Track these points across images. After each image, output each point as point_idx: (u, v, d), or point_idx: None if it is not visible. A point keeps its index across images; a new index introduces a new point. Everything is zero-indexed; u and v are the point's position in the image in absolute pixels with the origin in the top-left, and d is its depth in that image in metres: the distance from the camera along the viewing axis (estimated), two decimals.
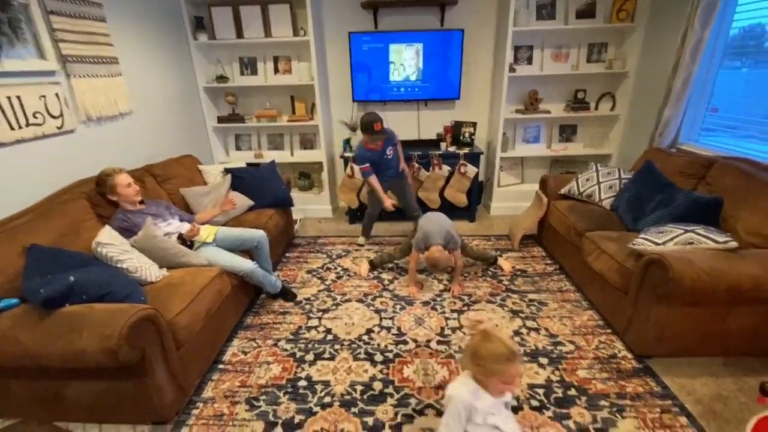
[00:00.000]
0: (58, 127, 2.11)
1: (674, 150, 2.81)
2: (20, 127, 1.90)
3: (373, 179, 2.88)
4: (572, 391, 1.76)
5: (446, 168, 3.47)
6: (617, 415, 1.64)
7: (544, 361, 1.95)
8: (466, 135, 3.57)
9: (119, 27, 2.55)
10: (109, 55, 2.47)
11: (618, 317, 2.07)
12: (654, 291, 1.75)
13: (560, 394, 1.75)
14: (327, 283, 2.72)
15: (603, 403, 1.70)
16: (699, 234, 1.84)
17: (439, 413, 1.66)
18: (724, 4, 2.46)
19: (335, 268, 2.91)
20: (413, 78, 3.60)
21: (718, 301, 1.69)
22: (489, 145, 3.87)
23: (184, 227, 2.31)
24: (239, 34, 3.46)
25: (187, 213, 2.53)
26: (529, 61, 3.55)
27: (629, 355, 1.97)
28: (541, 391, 1.77)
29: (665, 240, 1.88)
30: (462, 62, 3.50)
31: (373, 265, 2.86)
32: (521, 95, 3.67)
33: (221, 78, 3.60)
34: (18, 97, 1.89)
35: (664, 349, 1.91)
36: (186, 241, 2.20)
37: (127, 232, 2.04)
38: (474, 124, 3.59)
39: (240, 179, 2.96)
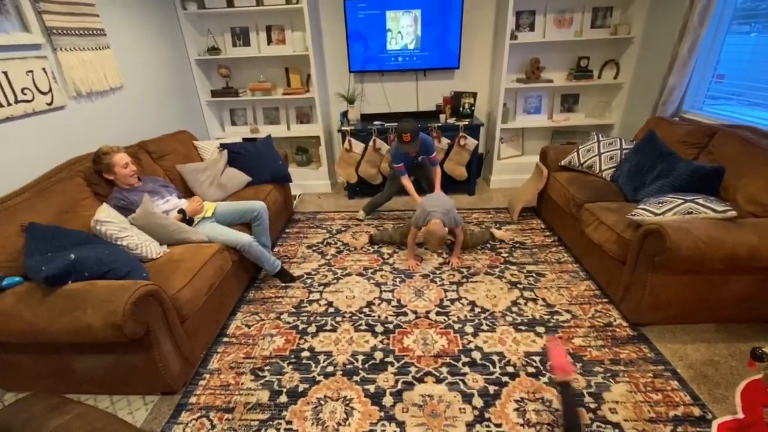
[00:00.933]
0: (47, 104, 2.06)
1: (677, 119, 2.76)
2: (9, 104, 1.86)
3: (406, 180, 2.88)
4: (569, 359, 1.81)
5: (445, 141, 3.42)
6: (611, 380, 1.69)
7: (540, 330, 2.00)
8: (466, 106, 3.50)
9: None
10: (96, 26, 2.39)
11: (614, 287, 2.10)
12: (651, 260, 1.77)
13: None
14: (327, 257, 2.75)
15: (597, 369, 1.75)
16: (699, 204, 1.84)
17: (438, 381, 1.71)
18: None
19: (335, 243, 2.93)
20: (411, 46, 3.49)
21: (714, 269, 1.71)
22: (489, 117, 3.80)
23: (183, 203, 2.31)
24: (230, 3, 3.33)
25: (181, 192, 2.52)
26: (531, 27, 3.43)
27: (624, 324, 2.01)
28: (537, 358, 1.82)
29: (664, 210, 1.88)
30: (462, 29, 3.38)
31: (372, 241, 2.87)
32: (523, 64, 3.57)
33: (213, 50, 3.49)
34: (5, 73, 1.84)
35: (658, 317, 1.95)
36: (186, 217, 2.20)
37: (125, 210, 2.03)
38: (474, 95, 3.51)
39: (236, 155, 2.92)
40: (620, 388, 1.65)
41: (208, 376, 1.82)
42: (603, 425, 1.50)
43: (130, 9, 2.72)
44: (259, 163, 2.95)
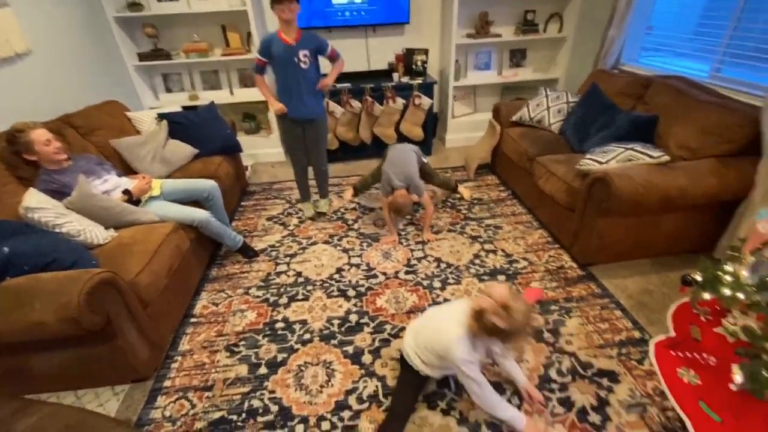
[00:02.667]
0: None
1: (617, 71, 2.91)
2: None
3: (258, 79, 2.31)
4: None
5: (401, 101, 3.37)
6: (565, 315, 1.88)
7: (501, 278, 2.14)
8: (419, 63, 3.44)
9: None
10: None
11: (565, 233, 2.28)
12: (598, 206, 1.93)
13: None
14: (290, 228, 2.69)
15: (553, 307, 1.93)
16: (637, 151, 2.00)
17: None
18: None
19: (296, 213, 2.86)
20: (359, 0, 3.31)
21: (651, 210, 1.90)
22: (441, 74, 3.77)
23: (125, 182, 2.11)
24: None
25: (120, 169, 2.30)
26: None
27: (574, 265, 2.21)
28: None
29: (608, 159, 2.03)
30: None
31: (356, 189, 2.85)
32: (472, 18, 3.52)
33: (134, 5, 3.07)
34: None
35: (603, 257, 2.16)
36: (132, 197, 2.02)
37: (58, 194, 1.82)
38: (426, 51, 3.45)
39: (178, 125, 2.69)
40: (574, 322, 1.84)
41: (180, 358, 1.77)
42: (560, 355, 1.68)
43: None
44: (205, 133, 2.74)
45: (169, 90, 3.56)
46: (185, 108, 3.02)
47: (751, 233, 1.42)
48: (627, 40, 2.87)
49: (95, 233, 1.75)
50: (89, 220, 1.79)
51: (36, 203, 1.62)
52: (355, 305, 2.00)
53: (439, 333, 1.34)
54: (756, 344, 1.29)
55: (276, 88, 2.35)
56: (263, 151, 3.72)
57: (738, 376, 1.32)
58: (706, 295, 1.48)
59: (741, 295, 1.38)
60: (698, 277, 1.52)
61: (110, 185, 2.06)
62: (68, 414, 1.12)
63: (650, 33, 2.85)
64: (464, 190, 2.92)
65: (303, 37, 2.21)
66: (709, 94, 2.14)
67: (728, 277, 1.44)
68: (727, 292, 1.42)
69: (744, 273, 1.41)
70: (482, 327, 1.21)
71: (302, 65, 2.24)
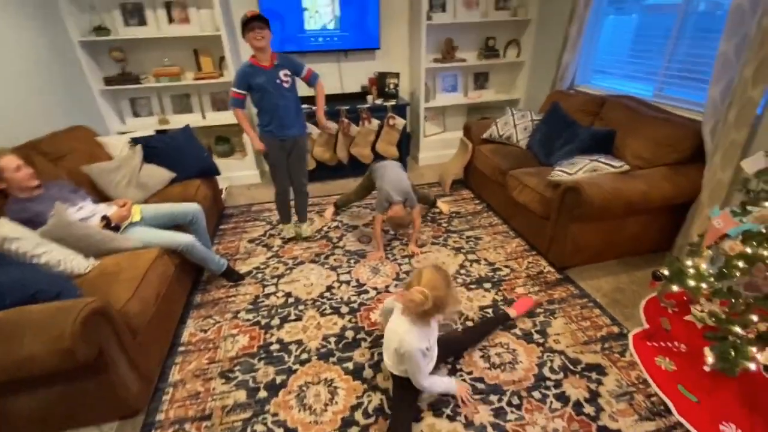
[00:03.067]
0: None
1: (573, 91, 3.20)
2: None
3: (239, 114, 2.26)
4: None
5: (375, 122, 3.49)
6: (550, 317, 1.99)
7: (487, 285, 2.24)
8: (391, 86, 3.59)
9: None
10: None
11: (541, 240, 2.43)
12: (571, 213, 2.09)
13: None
14: (274, 249, 2.66)
15: (539, 310, 2.04)
16: (601, 162, 2.21)
17: None
18: None
19: (279, 233, 2.84)
20: (331, 27, 3.43)
21: (618, 214, 2.10)
22: (412, 96, 3.95)
23: (102, 209, 2.03)
24: None
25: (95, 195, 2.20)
26: (443, 8, 3.61)
27: (552, 270, 2.35)
28: (489, 310, 2.05)
29: (576, 170, 2.22)
30: (380, 10, 3.42)
31: (337, 207, 2.90)
32: (438, 44, 3.75)
33: (101, 30, 3.01)
34: None
35: (577, 260, 2.32)
36: (111, 224, 1.94)
37: (29, 223, 1.70)
38: (397, 75, 3.61)
39: (153, 149, 2.62)
40: (559, 323, 1.96)
41: (171, 389, 1.68)
42: (551, 354, 1.78)
43: None
44: (182, 157, 2.69)
45: (136, 114, 3.46)
46: (158, 132, 2.95)
47: (707, 230, 1.61)
48: (579, 64, 3.18)
49: (75, 263, 1.66)
50: (68, 249, 1.70)
51: (12, 233, 1.52)
52: (349, 321, 2.01)
53: (394, 333, 1.45)
54: (722, 327, 1.45)
55: (258, 113, 2.34)
56: (238, 173, 3.67)
57: (710, 358, 1.47)
58: (675, 288, 1.64)
59: (704, 285, 1.55)
60: (666, 272, 1.69)
61: (86, 212, 1.97)
62: None
63: (599, 58, 3.17)
64: (443, 205, 3.04)
65: (279, 59, 2.24)
66: (656, 111, 2.42)
67: (691, 270, 1.62)
68: (691, 283, 1.59)
69: (704, 265, 1.59)
70: (417, 315, 1.37)
71: (285, 85, 2.25)
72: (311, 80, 2.39)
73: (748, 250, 1.41)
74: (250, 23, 2.07)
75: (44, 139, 2.25)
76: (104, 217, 1.96)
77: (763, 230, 1.35)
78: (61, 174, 2.16)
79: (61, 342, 1.20)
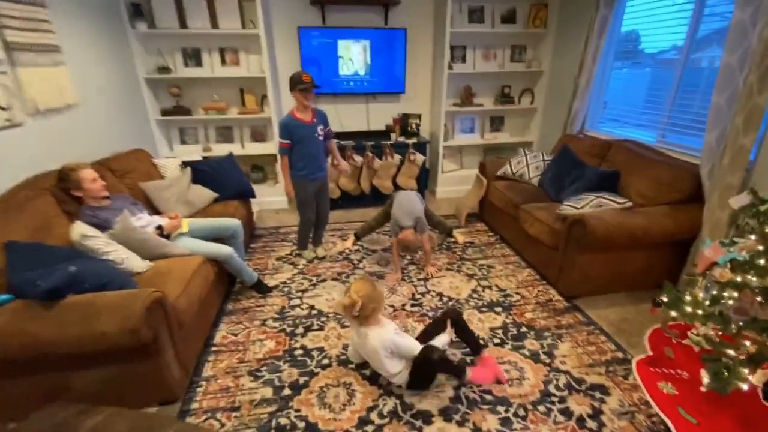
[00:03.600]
0: (6, 120, 1.97)
1: (582, 135, 3.44)
2: None
3: (285, 161, 2.58)
4: (523, 329, 2.20)
5: (397, 157, 3.78)
6: (558, 340, 2.10)
7: (498, 309, 2.37)
8: (413, 126, 3.92)
9: (58, 13, 2.40)
10: (52, 42, 2.32)
11: (550, 270, 2.57)
12: (577, 243, 2.25)
13: (515, 332, 2.17)
14: (299, 267, 2.88)
15: (546, 334, 2.16)
16: (605, 198, 2.39)
17: None
18: (615, 17, 3.09)
19: (297, 258, 3.06)
20: (362, 72, 3.84)
21: (621, 246, 2.24)
22: (432, 135, 4.26)
23: (156, 220, 2.31)
24: (182, 24, 3.37)
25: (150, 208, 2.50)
26: (464, 59, 3.99)
27: (561, 298, 2.48)
28: (500, 331, 2.18)
29: (582, 205, 2.40)
30: (406, 59, 3.82)
31: (357, 237, 3.07)
32: (458, 90, 4.11)
33: (163, 69, 3.47)
34: None
35: (585, 290, 2.45)
36: (163, 232, 2.21)
37: (98, 227, 1.99)
38: (419, 116, 3.95)
39: (200, 172, 2.95)
40: (565, 346, 2.06)
41: (204, 383, 1.86)
42: (557, 373, 1.88)
43: (82, 26, 2.66)
44: (224, 180, 3.01)
45: (184, 142, 3.86)
46: (204, 158, 3.30)
47: (700, 260, 1.75)
48: (589, 111, 3.45)
49: (135, 262, 1.92)
50: (129, 250, 1.96)
51: (89, 231, 1.80)
52: None
53: (372, 349, 1.72)
54: (715, 349, 1.56)
55: (295, 158, 2.62)
56: (268, 199, 3.98)
57: (705, 379, 1.56)
58: (673, 313, 1.76)
59: (699, 311, 1.67)
60: (665, 299, 1.82)
61: (144, 222, 2.24)
62: (129, 416, 1.24)
63: (606, 107, 3.43)
64: (458, 235, 3.23)
65: (317, 115, 2.62)
66: (658, 154, 2.62)
67: (688, 297, 1.74)
68: (688, 309, 1.71)
69: (700, 294, 1.71)
70: (361, 318, 1.68)
71: (320, 138, 2.64)
72: (328, 136, 2.75)
73: (738, 278, 1.54)
74: (305, 86, 2.43)
75: (112, 158, 2.60)
76: (159, 227, 2.23)
77: (748, 259, 1.49)
78: (123, 188, 2.48)
79: (129, 322, 1.41)
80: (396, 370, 1.74)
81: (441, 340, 1.83)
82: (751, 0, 1.97)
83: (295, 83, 2.45)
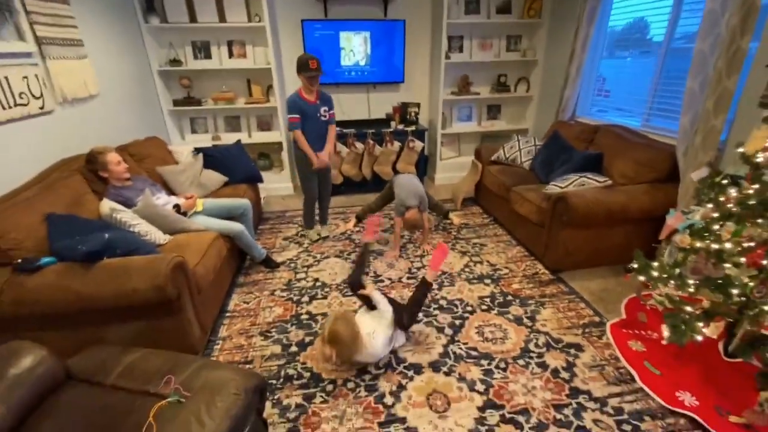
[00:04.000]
0: (40, 108, 2.19)
1: (573, 122, 3.60)
2: (10, 107, 1.98)
3: (299, 134, 2.68)
4: (509, 298, 2.40)
5: (397, 144, 3.96)
6: (540, 307, 2.30)
7: (488, 281, 2.57)
8: (412, 114, 4.09)
9: (79, 9, 2.60)
10: (76, 37, 2.53)
11: (537, 246, 2.76)
12: (560, 219, 2.43)
13: (501, 300, 2.37)
14: (304, 246, 3.09)
15: (530, 302, 2.35)
16: (588, 178, 2.57)
17: (417, 322, 2.17)
18: (603, 7, 3.22)
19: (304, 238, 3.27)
20: (362, 63, 4.01)
21: (601, 222, 2.42)
22: (431, 124, 4.43)
23: (173, 199, 2.52)
24: (192, 18, 3.56)
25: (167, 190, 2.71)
26: (461, 49, 4.14)
27: (547, 272, 2.66)
28: (488, 299, 2.38)
29: (566, 184, 2.58)
30: (405, 49, 3.98)
31: (359, 218, 3.22)
32: (455, 79, 4.27)
33: (175, 62, 3.67)
34: (6, 78, 1.96)
35: (569, 264, 2.63)
36: (180, 210, 2.43)
37: (122, 205, 2.21)
38: (418, 105, 4.12)
39: (211, 157, 3.16)
40: (547, 311, 2.26)
41: (221, 342, 2.08)
42: (537, 334, 2.08)
43: (100, 21, 2.86)
44: (234, 165, 3.21)
45: (194, 131, 4.07)
46: (214, 145, 3.51)
47: (664, 227, 1.93)
48: (580, 98, 3.59)
49: (158, 235, 2.14)
50: (152, 225, 2.17)
51: (117, 206, 2.02)
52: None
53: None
54: (676, 306, 1.74)
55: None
56: (274, 185, 4.18)
57: (666, 332, 1.75)
58: (641, 278, 1.94)
59: (664, 275, 1.86)
60: (635, 265, 2.00)
61: (162, 201, 2.46)
62: (162, 354, 1.45)
63: (606, 98, 3.55)
64: (454, 217, 3.40)
65: (321, 96, 2.78)
66: (640, 137, 2.78)
67: (655, 264, 1.92)
68: (654, 273, 1.89)
69: (664, 258, 1.89)
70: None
71: (322, 118, 2.79)
72: (330, 121, 2.85)
73: (698, 244, 1.73)
74: (310, 74, 2.58)
75: (131, 144, 2.81)
76: (176, 205, 2.44)
77: (703, 225, 1.67)
78: (142, 172, 2.70)
79: (156, 280, 1.63)
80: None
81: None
82: None
83: (301, 68, 2.61)
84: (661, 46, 2.82)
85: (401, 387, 1.78)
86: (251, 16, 3.64)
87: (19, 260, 1.63)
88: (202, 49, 3.79)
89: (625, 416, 1.62)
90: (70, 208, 1.97)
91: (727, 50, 2.06)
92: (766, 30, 2.01)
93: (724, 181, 1.73)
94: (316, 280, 2.62)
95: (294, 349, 2.02)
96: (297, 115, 2.67)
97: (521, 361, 1.91)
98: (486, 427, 1.58)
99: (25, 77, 2.09)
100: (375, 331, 1.81)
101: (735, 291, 1.58)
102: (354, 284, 2.09)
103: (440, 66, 3.93)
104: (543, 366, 1.88)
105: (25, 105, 2.07)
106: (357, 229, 3.35)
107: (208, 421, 1.02)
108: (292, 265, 2.82)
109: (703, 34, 2.22)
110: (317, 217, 3.23)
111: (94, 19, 2.77)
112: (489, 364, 1.89)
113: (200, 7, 3.53)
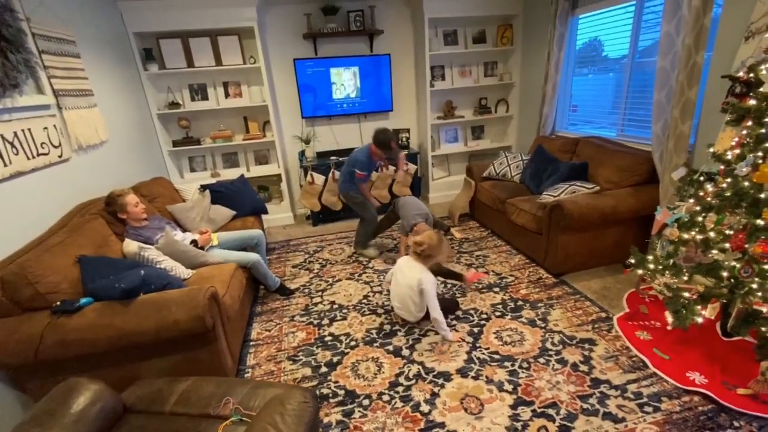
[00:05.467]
0: (59, 156, 2.27)
1: (554, 136, 3.88)
2: (34, 157, 2.06)
3: (364, 187, 3.16)
4: (519, 303, 2.53)
5: (392, 168, 4.15)
6: (550, 309, 2.45)
7: (497, 289, 2.71)
8: (404, 139, 4.32)
9: (88, 61, 2.72)
10: (86, 88, 2.64)
11: (538, 252, 2.93)
12: (557, 225, 2.63)
13: (512, 305, 2.51)
14: (315, 271, 3.17)
15: (540, 305, 2.50)
16: (578, 186, 2.79)
17: (437, 333, 2.27)
18: (570, 32, 3.58)
19: (317, 260, 3.36)
20: (353, 95, 4.24)
21: (595, 224, 2.63)
22: (421, 147, 4.67)
23: (188, 235, 2.59)
24: (190, 64, 3.73)
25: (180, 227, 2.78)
26: (443, 77, 4.45)
27: (549, 276, 2.83)
28: (500, 306, 2.51)
29: (558, 193, 2.80)
30: (392, 80, 4.25)
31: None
32: (440, 105, 4.55)
33: (173, 104, 3.80)
34: (29, 130, 2.05)
35: (569, 266, 2.81)
36: (197, 245, 2.50)
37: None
38: (408, 130, 4.35)
39: (218, 193, 3.25)
40: (557, 312, 2.40)
41: (250, 370, 2.12)
42: (552, 333, 2.22)
43: (105, 71, 2.99)
44: (240, 198, 3.31)
45: (193, 170, 4.16)
46: (217, 182, 3.61)
47: (654, 224, 2.13)
48: (558, 115, 3.90)
49: (181, 270, 2.20)
50: (174, 261, 2.24)
51: (144, 244, 2.08)
52: (385, 318, 2.47)
53: (410, 279, 2.21)
54: (674, 294, 1.92)
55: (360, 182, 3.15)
56: (275, 216, 4.27)
57: (669, 318, 1.92)
58: (639, 271, 2.13)
59: (660, 266, 2.04)
60: (632, 260, 2.19)
61: (179, 238, 2.53)
62: (213, 380, 1.51)
63: (574, 112, 3.89)
64: (455, 232, 3.58)
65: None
66: (618, 146, 3.05)
67: (650, 257, 2.11)
68: (651, 266, 2.08)
69: (658, 251, 2.09)
70: (421, 257, 2.23)
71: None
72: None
73: (686, 235, 1.93)
74: (389, 150, 3.00)
75: (141, 185, 2.89)
76: (193, 241, 2.51)
77: (688, 218, 1.88)
78: (155, 211, 2.77)
79: (195, 310, 1.70)
80: (417, 313, 2.27)
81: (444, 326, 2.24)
82: (674, 15, 2.44)
83: (382, 145, 2.97)
84: (620, 63, 3.15)
85: (434, 395, 1.86)
86: (246, 59, 3.84)
87: (58, 303, 1.68)
88: (199, 91, 3.94)
89: (645, 399, 1.75)
90: (99, 250, 2.03)
91: (686, 66, 2.36)
92: (718, 42, 2.31)
93: (701, 178, 1.96)
94: (333, 302, 2.70)
95: (324, 369, 2.08)
96: (365, 173, 3.09)
97: (542, 360, 2.03)
98: (521, 423, 1.68)
99: (45, 128, 2.19)
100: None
101: (724, 274, 1.77)
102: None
103: (426, 93, 4.20)
104: (562, 362, 2.00)
105: (46, 154, 2.16)
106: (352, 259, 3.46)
107: (285, 429, 1.09)
108: (306, 290, 2.89)
109: (663, 52, 2.53)
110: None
111: (100, 69, 2.90)
112: (512, 365, 2.01)
113: (197, 53, 3.71)
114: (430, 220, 3.00)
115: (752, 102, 1.70)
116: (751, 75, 1.72)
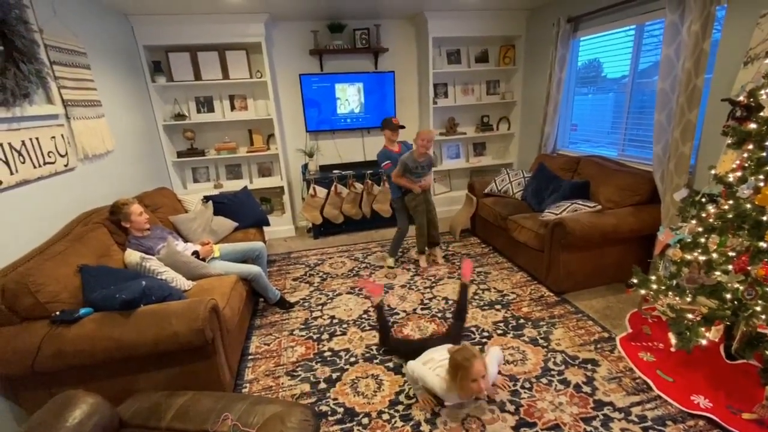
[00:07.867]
0: (65, 165, 2.28)
1: (555, 154, 3.92)
2: (40, 165, 2.07)
3: (396, 173, 3.12)
4: (521, 321, 2.51)
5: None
6: (552, 328, 2.42)
7: (498, 307, 2.69)
8: None
9: (97, 72, 2.77)
10: (95, 98, 2.68)
11: (539, 270, 2.92)
12: (559, 243, 2.62)
13: (514, 323, 2.49)
14: (315, 285, 3.15)
15: (541, 323, 2.48)
16: (579, 204, 2.80)
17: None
18: (571, 54, 3.65)
19: (317, 274, 3.35)
20: (357, 111, 4.30)
21: (596, 243, 2.63)
22: None
23: (190, 246, 2.59)
24: (197, 76, 3.79)
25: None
26: (446, 95, 4.51)
27: (551, 294, 2.81)
28: (501, 324, 2.49)
29: (560, 211, 2.81)
30: (395, 97, 4.31)
31: (422, 252, 3.39)
32: (443, 121, 4.60)
33: (179, 116, 3.85)
34: (37, 139, 2.07)
35: (571, 285, 2.79)
36: (199, 256, 2.49)
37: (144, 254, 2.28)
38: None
39: (221, 204, 3.26)
40: (559, 331, 2.38)
41: (248, 384, 2.09)
42: (554, 353, 2.19)
43: (114, 82, 3.04)
44: (242, 210, 3.32)
45: (196, 180, 4.18)
46: (222, 193, 3.62)
47: (656, 244, 2.13)
48: (559, 133, 3.94)
49: (182, 281, 2.19)
50: (174, 272, 2.23)
51: (146, 255, 2.08)
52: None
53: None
54: (677, 315, 1.91)
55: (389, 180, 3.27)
56: (276, 228, 4.27)
57: (673, 340, 1.90)
58: (642, 291, 2.12)
59: (663, 287, 2.04)
60: (635, 280, 2.18)
61: (180, 248, 2.52)
62: (211, 394, 1.49)
63: (574, 131, 3.94)
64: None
65: (403, 147, 3.30)
66: (619, 165, 3.08)
67: (653, 277, 2.11)
68: (654, 286, 2.07)
69: (660, 272, 2.08)
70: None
71: None
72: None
73: (688, 256, 1.93)
74: (396, 128, 3.18)
75: (144, 195, 2.90)
76: (195, 252, 2.51)
77: (690, 239, 1.89)
78: (157, 221, 2.77)
79: (196, 323, 1.68)
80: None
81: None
82: (673, 40, 2.49)
83: (388, 125, 3.17)
84: (619, 83, 3.20)
85: (435, 414, 1.83)
86: (252, 73, 3.90)
87: (57, 312, 1.66)
88: (206, 104, 3.99)
89: (650, 423, 1.72)
90: (100, 259, 2.02)
91: (686, 89, 2.40)
92: (718, 66, 2.35)
93: (703, 200, 1.97)
94: (333, 317, 2.68)
95: (323, 386, 2.04)
96: (388, 161, 3.18)
97: (544, 380, 2.00)
98: None
99: (53, 137, 2.20)
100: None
101: (728, 296, 1.76)
102: (391, 346, 2.27)
103: (429, 110, 4.26)
104: (565, 383, 1.98)
105: (52, 163, 2.17)
106: (364, 264, 3.44)
107: None
108: (306, 304, 2.87)
109: (663, 75, 2.57)
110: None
111: (109, 80, 2.94)
112: (515, 384, 1.98)
113: (205, 66, 3.77)
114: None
115: (753, 126, 1.72)
116: (752, 99, 1.75)
